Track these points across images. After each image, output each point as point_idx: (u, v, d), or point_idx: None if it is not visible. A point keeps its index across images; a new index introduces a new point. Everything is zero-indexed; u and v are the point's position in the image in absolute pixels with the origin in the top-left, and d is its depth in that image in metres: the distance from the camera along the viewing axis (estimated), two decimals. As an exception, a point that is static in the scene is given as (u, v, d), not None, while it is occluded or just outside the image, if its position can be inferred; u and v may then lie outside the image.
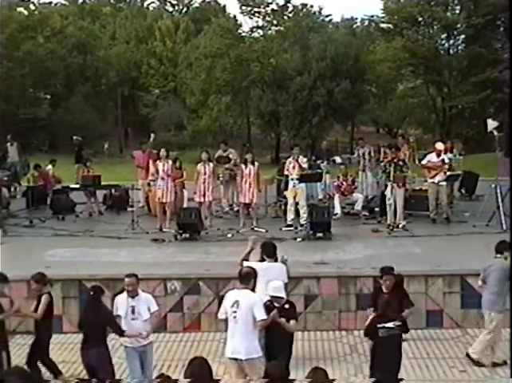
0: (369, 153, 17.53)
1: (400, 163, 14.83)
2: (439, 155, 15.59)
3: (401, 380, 7.97)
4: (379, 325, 7.78)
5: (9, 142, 20.73)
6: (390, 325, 7.74)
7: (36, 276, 9.05)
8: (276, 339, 8.20)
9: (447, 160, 15.70)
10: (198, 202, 15.07)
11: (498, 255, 9.56)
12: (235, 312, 7.82)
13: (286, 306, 8.38)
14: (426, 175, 15.87)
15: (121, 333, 8.29)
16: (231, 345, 7.94)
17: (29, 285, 10.52)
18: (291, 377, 8.01)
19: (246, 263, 8.96)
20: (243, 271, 8.19)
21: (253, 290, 8.07)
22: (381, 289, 9.03)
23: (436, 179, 15.45)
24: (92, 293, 8.46)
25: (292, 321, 8.31)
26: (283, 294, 8.42)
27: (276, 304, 8.32)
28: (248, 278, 8.02)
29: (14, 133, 22.27)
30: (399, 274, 10.77)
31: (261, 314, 7.80)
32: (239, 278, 8.12)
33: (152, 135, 18.34)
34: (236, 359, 7.87)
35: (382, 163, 15.62)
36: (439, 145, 16.11)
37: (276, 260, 9.41)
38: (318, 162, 17.41)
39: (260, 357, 7.87)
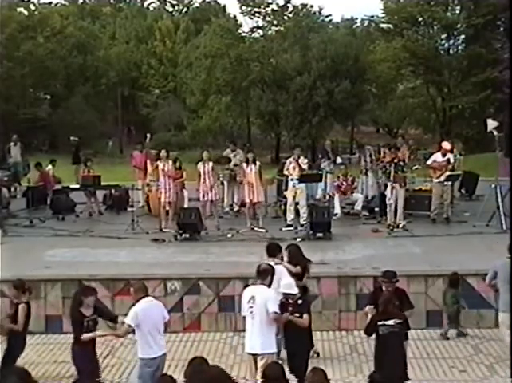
0: (370, 155, 17.48)
1: (401, 163, 14.83)
2: (444, 155, 15.59)
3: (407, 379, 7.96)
4: (379, 323, 7.77)
5: (14, 142, 20.74)
6: (390, 322, 7.73)
7: (15, 282, 8.99)
8: (294, 334, 8.31)
9: (452, 160, 15.70)
10: (203, 201, 15.16)
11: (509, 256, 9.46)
12: (252, 307, 7.93)
13: (299, 302, 8.45)
14: (431, 175, 15.86)
15: (78, 339, 8.27)
16: (249, 340, 8.05)
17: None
18: (290, 377, 8.02)
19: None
20: (261, 267, 8.29)
21: (269, 286, 8.14)
22: (381, 289, 9.01)
23: (442, 179, 15.46)
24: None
25: (305, 316, 8.37)
26: (295, 291, 8.49)
27: (290, 300, 8.40)
28: (265, 274, 8.13)
29: (14, 133, 22.21)
30: (455, 273, 10.73)
31: (273, 307, 7.89)
32: (257, 273, 8.23)
33: (148, 135, 18.35)
34: (254, 354, 7.95)
35: (382, 164, 15.62)
36: (446, 145, 16.09)
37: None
38: (322, 161, 17.36)
39: (274, 354, 7.94)
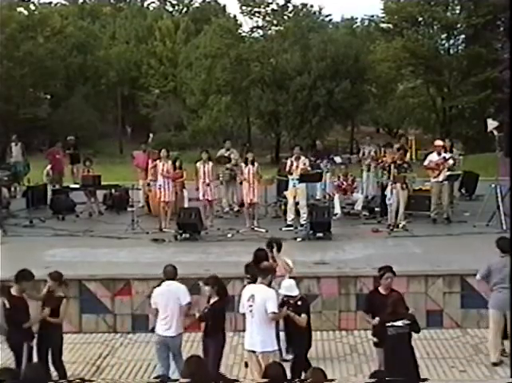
0: (375, 152, 17.48)
1: (405, 164, 14.86)
2: (439, 154, 15.60)
3: (425, 380, 7.98)
4: (388, 324, 7.75)
5: (14, 142, 20.73)
6: (399, 323, 7.72)
7: (53, 274, 9.11)
8: (294, 332, 8.52)
9: (448, 156, 15.69)
10: (203, 200, 15.17)
11: (503, 255, 9.45)
12: (251, 306, 8.04)
13: (299, 303, 8.60)
14: (429, 175, 15.86)
15: None
16: (248, 337, 8.16)
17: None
18: (289, 377, 8.02)
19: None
20: (263, 265, 8.47)
21: (269, 285, 8.21)
22: (377, 290, 8.93)
23: (440, 178, 15.46)
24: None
25: (303, 315, 8.50)
26: (295, 292, 8.63)
27: (290, 301, 8.54)
28: (266, 273, 8.24)
29: (14, 133, 22.19)
30: None
31: (272, 307, 7.97)
32: (258, 271, 8.33)
33: (151, 135, 18.38)
34: (253, 351, 8.05)
35: (382, 164, 15.63)
36: (438, 142, 16.16)
37: None
38: (318, 162, 17.38)
39: (275, 351, 8.02)
